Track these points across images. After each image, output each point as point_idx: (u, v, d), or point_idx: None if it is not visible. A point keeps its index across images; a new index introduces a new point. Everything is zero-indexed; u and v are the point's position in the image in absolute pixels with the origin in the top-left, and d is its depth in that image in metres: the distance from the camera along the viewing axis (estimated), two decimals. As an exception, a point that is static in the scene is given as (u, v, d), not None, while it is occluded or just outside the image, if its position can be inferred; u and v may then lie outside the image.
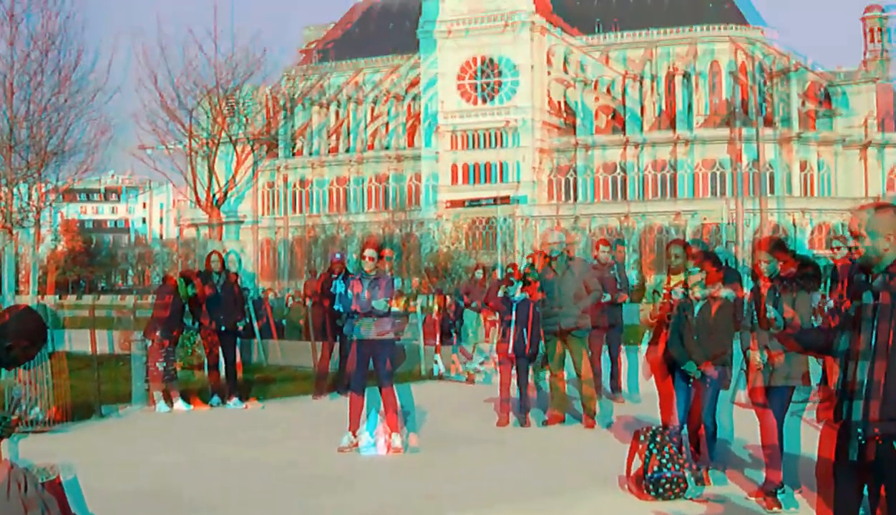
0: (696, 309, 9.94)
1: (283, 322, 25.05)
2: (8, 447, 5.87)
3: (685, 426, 9.96)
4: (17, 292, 17.82)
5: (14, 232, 35.69)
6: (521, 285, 13.32)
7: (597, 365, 14.53)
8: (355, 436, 11.63)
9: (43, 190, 38.07)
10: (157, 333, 14.90)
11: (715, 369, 9.82)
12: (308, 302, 20.19)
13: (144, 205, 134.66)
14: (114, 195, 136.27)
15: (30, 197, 38.52)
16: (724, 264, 10.74)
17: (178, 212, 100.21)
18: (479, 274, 22.77)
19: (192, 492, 9.71)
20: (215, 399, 15.33)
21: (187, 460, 11.42)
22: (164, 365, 14.83)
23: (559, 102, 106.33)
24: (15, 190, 37.06)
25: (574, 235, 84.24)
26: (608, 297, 14.44)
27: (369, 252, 11.95)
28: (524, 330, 13.15)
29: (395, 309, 11.80)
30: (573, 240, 75.53)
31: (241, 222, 79.13)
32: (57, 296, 57.22)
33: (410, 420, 12.59)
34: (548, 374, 13.66)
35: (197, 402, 15.12)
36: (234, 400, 15.26)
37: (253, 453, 11.78)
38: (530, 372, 13.65)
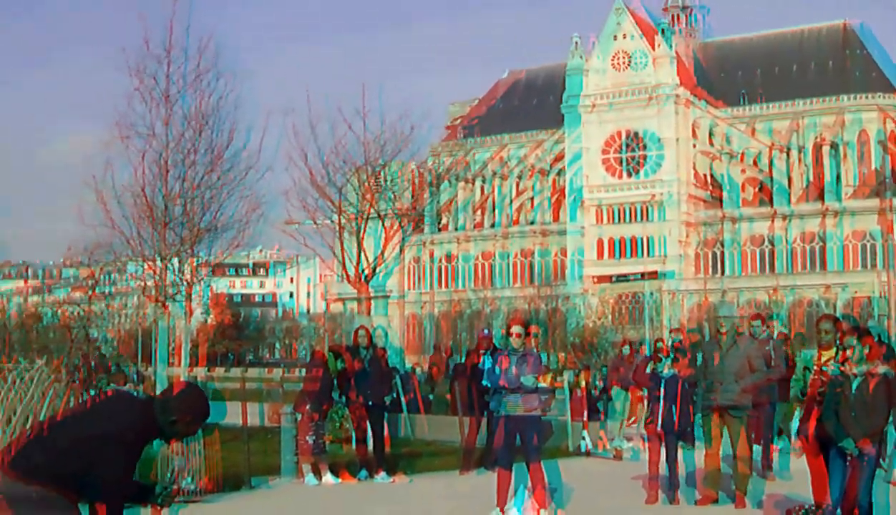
0: (854, 385, 9.73)
1: (431, 396, 25.12)
2: (169, 515, 6.01)
3: (839, 506, 9.72)
4: (170, 364, 18.21)
5: (167, 305, 36.54)
6: (669, 361, 13.20)
7: (755, 443, 14.25)
8: (503, 512, 11.60)
9: (195, 264, 38.97)
10: (307, 407, 15.07)
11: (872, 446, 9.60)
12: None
13: (292, 280, 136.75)
14: (262, 270, 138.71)
15: (182, 271, 39.46)
16: (878, 339, 10.53)
17: (325, 287, 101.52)
18: (626, 349, 22.59)
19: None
20: (363, 472, 15.42)
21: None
22: (314, 438, 14.98)
23: (705, 175, 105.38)
24: (169, 265, 38.00)
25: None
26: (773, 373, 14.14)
27: (516, 328, 12.00)
28: (673, 406, 13.00)
29: (542, 384, 11.79)
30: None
31: (388, 297, 79.90)
32: (206, 368, 58.24)
33: (558, 496, 12.51)
34: (700, 452, 13.46)
35: (345, 475, 15.23)
36: (382, 473, 15.33)
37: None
38: (679, 449, 13.47)
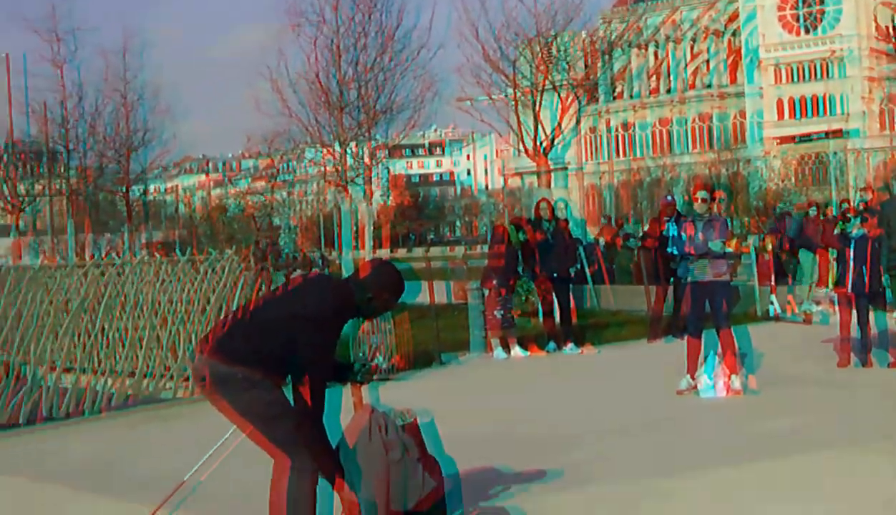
0: None
1: (614, 267, 25.05)
2: (368, 392, 6.15)
3: None
4: (353, 248, 18.51)
5: (347, 189, 37.01)
6: (858, 221, 12.87)
7: None
8: (694, 379, 11.58)
9: (372, 147, 39.31)
10: (494, 282, 15.21)
11: None
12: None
13: (468, 157, 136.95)
14: (438, 149, 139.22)
15: (360, 155, 39.84)
16: None
17: (502, 163, 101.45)
18: (812, 211, 22.11)
19: (532, 435, 9.90)
20: (551, 345, 15.54)
21: (527, 404, 11.64)
22: (502, 312, 15.13)
23: (887, 27, 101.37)
24: (347, 149, 38.37)
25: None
26: None
27: (701, 193, 11.84)
28: (863, 267, 12.71)
29: (728, 249, 11.64)
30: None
31: (567, 169, 79.42)
32: (389, 250, 59.06)
33: (748, 361, 12.41)
34: (892, 313, 13.18)
35: (534, 348, 15.37)
36: (570, 345, 15.42)
37: (590, 394, 11.91)
38: (870, 311, 13.19)
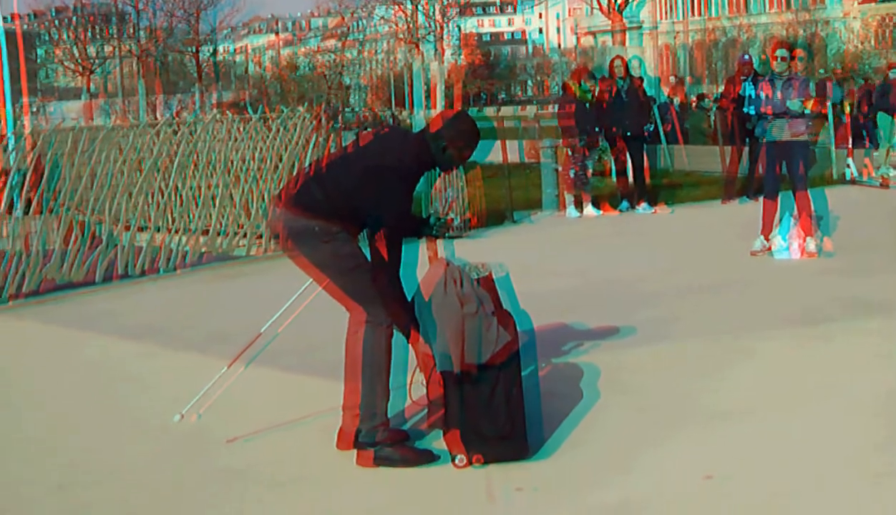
0: None
1: (688, 127, 24.75)
2: (444, 246, 6.14)
3: None
4: (425, 106, 18.38)
5: (419, 48, 36.72)
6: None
7: None
8: (768, 240, 11.46)
9: (444, 4, 38.91)
10: (566, 140, 15.10)
11: None
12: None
13: (540, 16, 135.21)
14: (510, 7, 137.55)
15: (432, 13, 39.47)
16: None
17: (574, 21, 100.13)
18: (892, 73, 21.62)
19: (605, 293, 9.90)
20: (624, 204, 15.47)
21: (600, 262, 11.61)
22: (574, 171, 15.04)
23: None
24: (418, 6, 38.00)
25: None
26: None
27: (780, 51, 11.57)
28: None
29: (808, 110, 11.42)
30: None
31: (641, 27, 78.17)
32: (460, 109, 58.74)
33: (824, 224, 12.25)
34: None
35: (607, 207, 15.31)
36: (644, 204, 15.33)
37: (663, 254, 11.87)
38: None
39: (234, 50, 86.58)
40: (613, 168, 15.94)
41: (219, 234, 12.93)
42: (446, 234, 6.06)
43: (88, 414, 6.99)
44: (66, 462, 6.05)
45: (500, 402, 5.53)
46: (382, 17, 60.64)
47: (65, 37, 59.14)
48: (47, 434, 6.60)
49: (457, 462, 5.52)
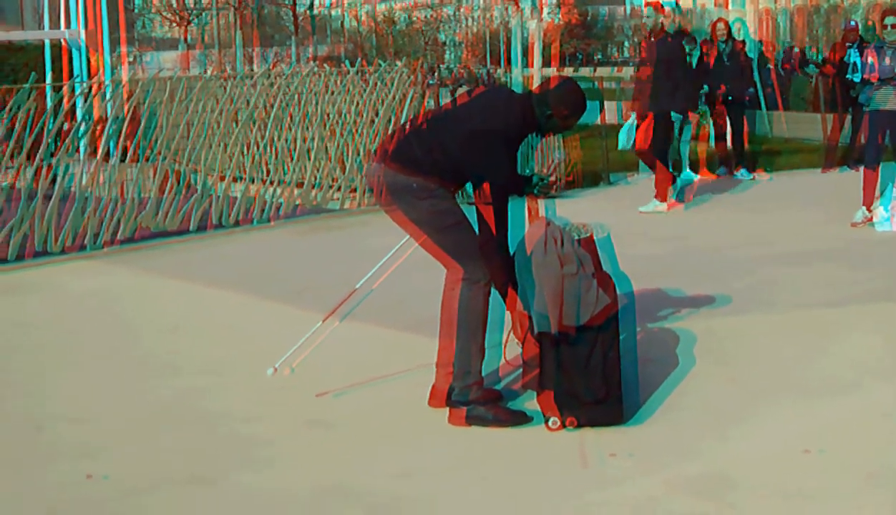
0: None
1: (789, 92, 24.30)
2: (545, 206, 6.06)
3: None
4: (522, 64, 18.23)
5: (518, 5, 36.49)
6: None
7: None
8: (869, 211, 11.21)
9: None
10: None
11: None
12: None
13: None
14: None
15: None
16: None
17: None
18: None
19: (702, 259, 9.75)
20: (722, 169, 15.25)
21: (696, 228, 11.45)
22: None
23: None
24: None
25: None
26: None
27: (890, 19, 11.25)
28: None
29: (917, 79, 11.11)
30: None
31: (742, -10, 76.97)
32: (556, 68, 58.43)
33: (928, 195, 11.95)
34: None
35: (704, 172, 15.10)
36: (742, 170, 15.10)
37: (760, 221, 11.67)
38: None
39: (331, 3, 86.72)
40: (712, 132, 15.68)
41: (313, 187, 12.95)
42: (549, 193, 5.97)
43: (180, 362, 7.02)
44: (155, 409, 6.09)
45: (597, 365, 5.46)
46: (480, -26, 60.36)
47: (163, -13, 59.62)
48: (136, 381, 6.64)
49: (550, 424, 5.46)
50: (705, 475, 4.95)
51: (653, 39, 12.75)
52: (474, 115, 5.64)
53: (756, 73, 18.73)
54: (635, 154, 13.36)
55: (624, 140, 13.59)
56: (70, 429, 5.83)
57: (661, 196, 12.55)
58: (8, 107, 10.38)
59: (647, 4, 13.13)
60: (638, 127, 12.80)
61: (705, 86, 14.86)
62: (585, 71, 54.77)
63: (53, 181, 10.76)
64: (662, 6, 12.81)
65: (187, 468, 5.23)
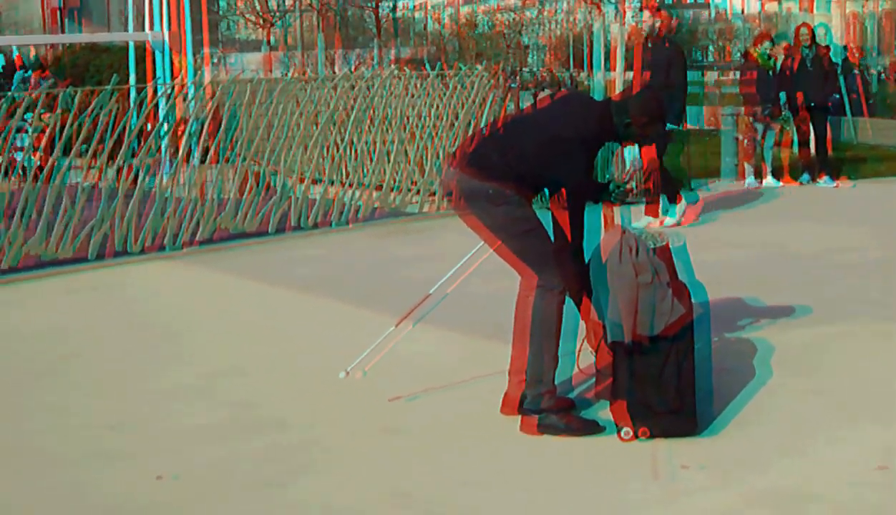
0: None
1: (873, 100, 23.97)
2: (621, 213, 6.00)
3: None
4: (606, 68, 18.14)
5: (601, 8, 36.39)
6: None
7: None
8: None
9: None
10: (748, 109, 14.75)
11: None
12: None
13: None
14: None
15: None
16: None
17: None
18: None
19: (782, 268, 9.62)
20: (805, 176, 15.05)
21: (777, 235, 11.29)
22: (754, 139, 14.70)
23: None
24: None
25: None
26: None
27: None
28: None
29: None
30: None
31: (829, -7, 76.20)
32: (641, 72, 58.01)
33: None
34: None
35: (787, 178, 14.91)
36: (825, 177, 14.88)
37: (843, 230, 11.49)
38: None
39: (414, 6, 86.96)
40: (795, 138, 15.49)
41: (392, 190, 12.97)
42: (626, 201, 5.91)
43: (253, 364, 7.05)
44: (227, 412, 6.11)
45: (671, 375, 5.39)
46: (564, -23, 60.15)
47: (247, -11, 60.12)
48: (209, 382, 6.68)
49: (622, 434, 5.41)
50: (779, 489, 4.87)
51: (649, 45, 12.25)
52: (552, 121, 5.60)
53: (841, 79, 18.47)
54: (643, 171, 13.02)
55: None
56: (141, 430, 5.87)
57: (652, 212, 11.73)
58: (91, 108, 10.50)
59: (643, 8, 12.71)
60: None
61: (784, 92, 14.69)
62: (669, 75, 54.19)
63: (135, 181, 10.88)
64: (659, 9, 12.41)
65: (257, 471, 5.24)
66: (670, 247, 5.60)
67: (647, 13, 12.32)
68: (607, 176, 5.94)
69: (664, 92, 11.27)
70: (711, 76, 44.68)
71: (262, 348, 7.45)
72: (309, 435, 5.71)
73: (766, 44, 14.86)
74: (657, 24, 12.14)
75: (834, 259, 9.95)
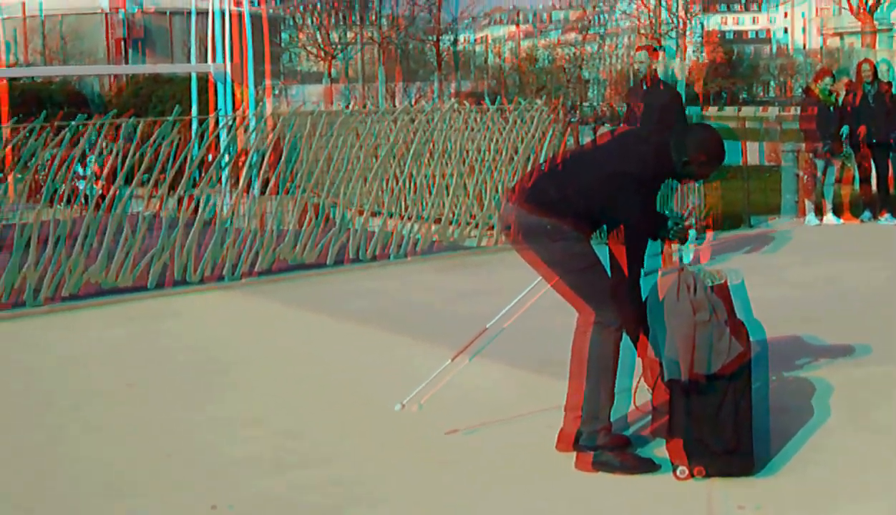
0: None
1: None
2: (679, 250, 5.98)
3: None
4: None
5: (661, 43, 36.29)
6: None
7: None
8: None
9: (687, 1, 38.27)
10: (808, 145, 14.65)
11: None
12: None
13: (786, 15, 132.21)
14: (755, 5, 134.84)
15: (675, 8, 38.91)
16: None
17: (821, 21, 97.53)
18: None
19: (842, 306, 9.52)
20: (866, 213, 14.91)
21: (837, 274, 11.18)
22: (815, 176, 14.59)
23: None
24: (662, 1, 37.49)
25: None
26: None
27: None
28: None
29: None
30: None
31: (892, 30, 75.78)
32: (699, 107, 57.91)
33: None
34: None
35: (847, 216, 14.79)
36: (887, 215, 14.73)
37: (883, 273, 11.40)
38: None
39: (475, 40, 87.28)
40: (856, 175, 15.36)
41: (450, 223, 12.99)
42: (685, 238, 5.89)
43: (309, 395, 7.09)
44: (282, 442, 6.14)
45: (728, 414, 5.36)
46: (624, 12, 60.33)
47: (308, 22, 60.69)
48: (265, 412, 6.72)
49: (678, 472, 5.38)
50: (838, 531, 4.83)
51: (644, 87, 11.65)
52: (611, 158, 5.61)
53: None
54: None
55: None
56: (196, 458, 5.91)
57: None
58: (153, 138, 10.63)
59: (639, 49, 12.09)
60: None
61: (845, 128, 14.59)
62: (730, 110, 54.13)
63: (195, 211, 10.98)
64: (655, 50, 11.91)
65: (312, 503, 5.26)
66: (728, 284, 5.58)
67: (642, 53, 11.86)
68: (666, 213, 5.92)
69: (657, 136, 10.92)
70: (772, 111, 44.46)
71: (318, 379, 7.48)
72: (365, 467, 5.73)
73: (828, 79, 14.77)
74: (654, 66, 11.64)
75: (894, 298, 9.85)
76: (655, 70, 11.52)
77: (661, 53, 11.51)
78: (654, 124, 10.80)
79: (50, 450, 6.11)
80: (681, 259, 5.82)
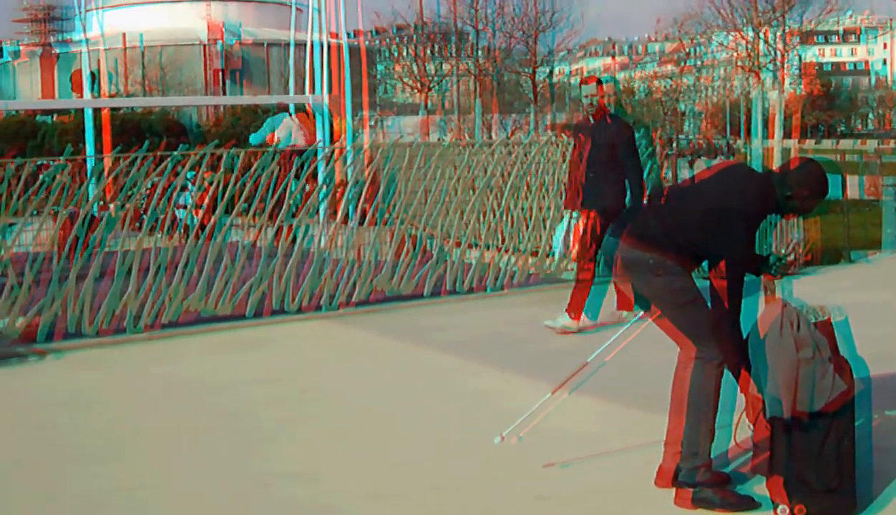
0: None
1: None
2: (782, 286, 5.94)
3: None
4: (763, 135, 17.99)
5: (758, 75, 36.02)
6: None
7: None
8: None
9: (786, 32, 38.01)
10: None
11: None
12: None
13: (885, 46, 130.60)
14: (853, 36, 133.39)
15: (773, 40, 38.59)
16: None
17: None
18: None
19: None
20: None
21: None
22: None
23: None
24: (760, 34, 37.28)
25: None
26: None
27: None
28: None
29: None
30: None
31: None
32: (797, 140, 57.31)
33: None
34: None
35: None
36: None
37: None
38: None
39: (570, 72, 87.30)
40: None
41: (548, 256, 12.97)
42: (787, 273, 5.84)
43: (408, 426, 7.12)
44: (377, 473, 6.18)
45: (831, 453, 5.29)
46: (721, 44, 59.98)
47: (404, 54, 61.16)
48: (364, 442, 6.76)
49: (779, 511, 5.32)
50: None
51: (591, 121, 10.49)
52: (713, 193, 5.60)
53: None
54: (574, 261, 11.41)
55: (558, 244, 12.46)
56: (298, 489, 5.97)
57: (576, 310, 10.25)
58: (253, 169, 10.78)
59: (583, 82, 11.09)
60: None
61: None
62: (827, 143, 53.53)
63: (293, 242, 11.10)
64: (601, 82, 10.99)
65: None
66: (832, 321, 5.52)
67: (587, 86, 10.50)
68: (767, 248, 5.83)
69: (610, 175, 10.23)
70: (871, 144, 43.85)
71: (415, 410, 7.52)
72: (462, 499, 5.74)
73: None
74: (598, 99, 10.40)
75: None
76: (602, 103, 10.51)
77: (609, 85, 10.89)
78: (602, 162, 10.19)
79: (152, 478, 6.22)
80: (783, 295, 5.78)
